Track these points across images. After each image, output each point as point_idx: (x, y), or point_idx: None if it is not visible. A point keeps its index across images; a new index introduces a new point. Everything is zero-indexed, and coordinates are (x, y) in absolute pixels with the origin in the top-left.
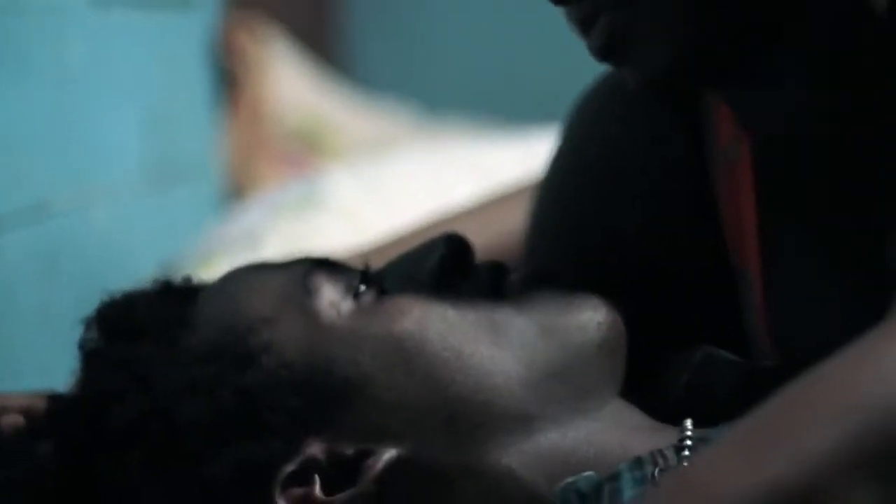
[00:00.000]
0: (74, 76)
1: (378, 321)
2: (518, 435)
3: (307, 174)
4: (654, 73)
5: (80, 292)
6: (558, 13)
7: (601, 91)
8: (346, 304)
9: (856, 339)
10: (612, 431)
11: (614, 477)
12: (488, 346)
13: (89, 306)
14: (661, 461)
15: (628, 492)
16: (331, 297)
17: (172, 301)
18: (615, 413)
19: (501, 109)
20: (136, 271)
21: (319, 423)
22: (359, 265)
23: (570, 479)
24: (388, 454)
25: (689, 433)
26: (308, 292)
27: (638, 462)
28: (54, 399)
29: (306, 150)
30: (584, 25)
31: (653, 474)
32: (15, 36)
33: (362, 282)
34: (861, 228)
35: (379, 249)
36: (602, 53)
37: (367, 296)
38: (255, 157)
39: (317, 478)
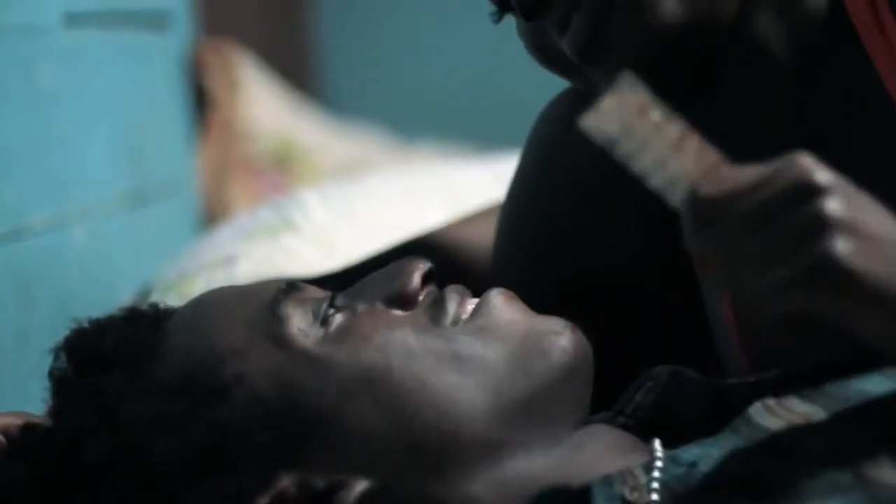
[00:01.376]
0: (47, 97)
1: (345, 350)
2: (485, 463)
3: (280, 196)
4: (629, 66)
5: (58, 314)
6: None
7: (562, 105)
8: (315, 331)
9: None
10: (580, 454)
11: (584, 494)
12: (452, 374)
13: (66, 328)
14: (630, 480)
15: None
16: (300, 325)
17: (141, 330)
18: (584, 435)
19: (472, 133)
20: (113, 292)
21: (291, 456)
22: (327, 290)
23: (534, 499)
24: (359, 486)
25: (658, 452)
26: (278, 320)
27: (608, 480)
28: (28, 429)
29: (279, 173)
30: (560, 28)
31: (622, 495)
32: None
33: (331, 306)
34: None
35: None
36: (580, 53)
37: (336, 320)
38: (229, 179)
39: None
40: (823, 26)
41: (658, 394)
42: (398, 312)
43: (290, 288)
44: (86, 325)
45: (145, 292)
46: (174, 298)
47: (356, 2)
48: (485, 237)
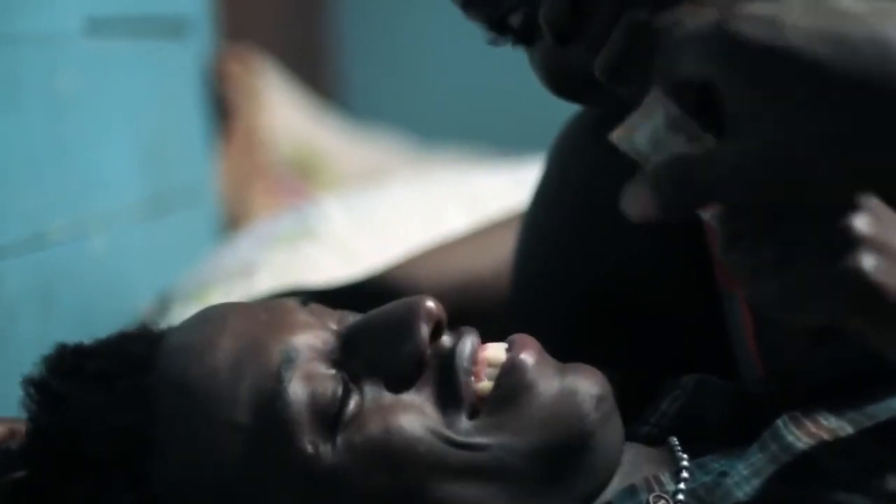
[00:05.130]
0: (68, 105)
1: (357, 470)
2: None
3: (301, 203)
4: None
5: (78, 322)
6: None
7: (583, 122)
8: (324, 441)
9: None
10: (618, 478)
11: None
12: (473, 487)
13: (86, 336)
14: (655, 486)
15: None
16: (308, 435)
17: (125, 417)
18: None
19: (493, 139)
20: (133, 300)
21: None
22: (334, 348)
23: None
24: None
25: (684, 460)
26: (283, 433)
27: (631, 489)
28: None
29: (300, 179)
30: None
31: (647, 501)
32: (8, 65)
33: (341, 400)
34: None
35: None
36: (613, 72)
37: (347, 415)
38: (250, 186)
39: None
40: None
41: (684, 402)
42: (402, 398)
43: (289, 359)
44: (51, 384)
45: (164, 301)
46: (193, 308)
47: (376, 8)
48: (505, 250)
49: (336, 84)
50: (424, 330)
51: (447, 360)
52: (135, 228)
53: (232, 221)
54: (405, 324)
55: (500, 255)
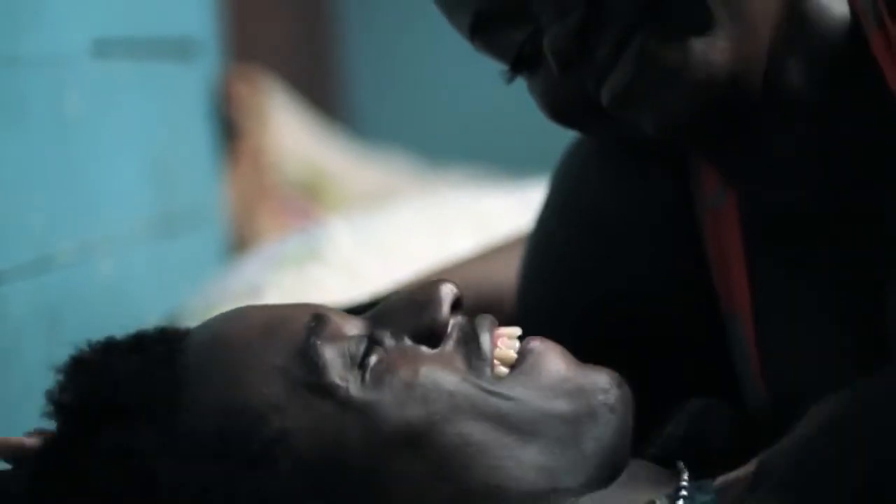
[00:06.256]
0: (75, 127)
1: (386, 400)
2: None
3: (308, 224)
4: (672, 114)
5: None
6: None
7: (588, 143)
8: (354, 377)
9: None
10: (620, 492)
11: None
12: (499, 434)
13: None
14: None
15: None
16: (338, 372)
17: (155, 370)
18: (625, 474)
19: (500, 160)
20: (140, 322)
21: None
22: (360, 325)
23: None
24: None
25: (684, 481)
26: (315, 369)
27: None
28: (40, 480)
29: (307, 201)
30: (599, 77)
31: None
32: (15, 87)
33: (367, 349)
34: (853, 277)
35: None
36: (620, 101)
37: (371, 362)
38: (257, 207)
39: None
40: (849, 67)
41: (689, 426)
42: (429, 350)
43: (318, 323)
44: (85, 356)
45: (171, 322)
46: None
47: (383, 29)
48: (510, 271)
49: (343, 105)
50: (446, 302)
51: (468, 328)
52: (141, 250)
53: (239, 243)
54: (427, 296)
55: (506, 276)
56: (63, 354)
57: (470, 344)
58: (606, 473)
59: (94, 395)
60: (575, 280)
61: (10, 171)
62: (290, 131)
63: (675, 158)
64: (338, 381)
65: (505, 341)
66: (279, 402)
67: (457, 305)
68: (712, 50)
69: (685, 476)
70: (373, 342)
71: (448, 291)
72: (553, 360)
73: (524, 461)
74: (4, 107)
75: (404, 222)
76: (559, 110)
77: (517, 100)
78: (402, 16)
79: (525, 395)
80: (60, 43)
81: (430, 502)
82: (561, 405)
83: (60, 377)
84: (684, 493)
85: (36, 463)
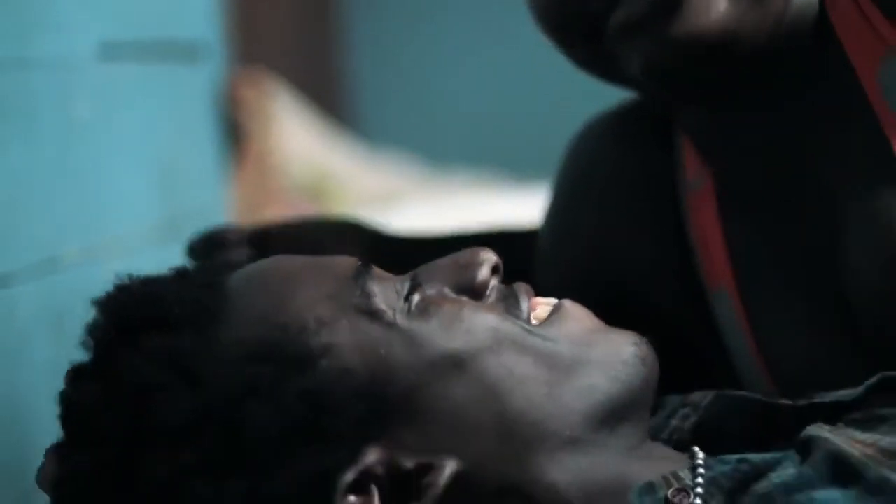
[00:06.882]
0: (82, 130)
1: (433, 328)
2: (565, 455)
3: None
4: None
5: None
6: (563, 67)
7: (600, 125)
8: (401, 307)
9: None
10: (643, 460)
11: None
12: (540, 368)
13: None
14: (674, 482)
15: None
16: (386, 300)
17: (199, 291)
18: (650, 445)
19: (506, 163)
20: None
21: (378, 433)
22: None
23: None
24: (449, 469)
25: (699, 456)
26: (365, 294)
27: (650, 487)
28: (77, 389)
29: (312, 203)
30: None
31: (666, 497)
32: (22, 90)
33: (412, 286)
34: (810, 245)
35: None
36: (624, 28)
37: (415, 300)
38: (263, 210)
39: (374, 489)
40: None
41: (699, 418)
42: (478, 303)
43: (365, 265)
44: (126, 284)
45: None
46: None
47: (389, 32)
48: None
49: (348, 108)
50: (487, 264)
51: (506, 290)
52: (148, 253)
53: None
54: (469, 258)
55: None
56: (69, 357)
57: (508, 299)
58: (636, 429)
59: (136, 307)
60: (590, 258)
61: (17, 173)
62: (295, 134)
63: (668, 144)
64: (385, 307)
65: (540, 303)
66: (327, 319)
67: (496, 271)
68: (726, 5)
69: (700, 454)
70: (416, 284)
71: (489, 256)
72: (586, 316)
73: (561, 399)
74: (12, 110)
75: (409, 224)
76: (555, 20)
77: (522, 103)
78: (408, 19)
79: (562, 339)
80: (67, 46)
81: (467, 424)
82: (596, 352)
83: (99, 301)
84: (701, 461)
85: (74, 368)
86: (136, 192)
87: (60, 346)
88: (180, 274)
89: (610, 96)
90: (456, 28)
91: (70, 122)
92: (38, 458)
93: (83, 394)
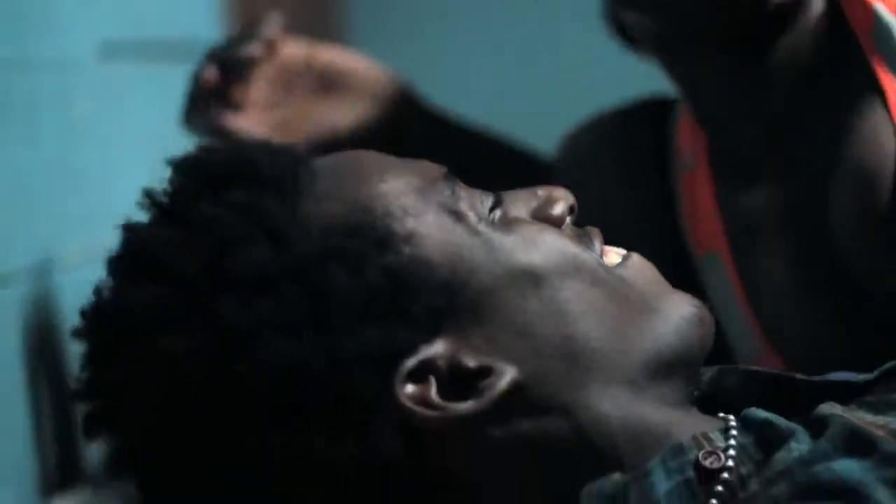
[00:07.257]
0: (82, 131)
1: (514, 240)
2: (619, 391)
3: None
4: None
5: None
6: (564, 70)
7: (595, 121)
8: (485, 215)
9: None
10: (686, 417)
11: (643, 476)
12: (609, 303)
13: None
14: (705, 444)
15: (662, 484)
16: (470, 206)
17: (288, 164)
18: (686, 404)
19: None
20: None
21: (449, 327)
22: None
23: (592, 484)
24: (509, 375)
25: (731, 420)
26: (454, 195)
27: (679, 448)
28: (152, 233)
29: None
30: None
31: (697, 458)
32: (22, 91)
33: (494, 202)
34: (802, 200)
35: None
36: None
37: (499, 214)
38: None
39: (433, 380)
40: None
41: (702, 394)
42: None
43: (452, 175)
44: (207, 147)
45: None
46: None
47: (390, 34)
48: None
49: None
50: (566, 201)
51: (580, 230)
52: None
53: None
54: (549, 192)
55: None
56: (71, 356)
57: (582, 238)
58: (682, 385)
59: (223, 164)
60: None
61: (16, 173)
62: None
63: (661, 130)
64: (469, 212)
65: (611, 250)
66: (412, 210)
67: (572, 210)
68: None
69: (732, 419)
70: (499, 201)
71: (567, 195)
72: (652, 271)
73: (627, 338)
74: (12, 110)
75: None
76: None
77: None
78: (409, 21)
79: (635, 282)
80: (67, 46)
81: (535, 338)
82: (663, 304)
83: (175, 161)
84: (734, 424)
85: (157, 208)
86: (136, 191)
87: (60, 346)
88: (271, 146)
89: (610, 97)
90: (458, 29)
91: (70, 122)
92: (38, 459)
93: (160, 235)
